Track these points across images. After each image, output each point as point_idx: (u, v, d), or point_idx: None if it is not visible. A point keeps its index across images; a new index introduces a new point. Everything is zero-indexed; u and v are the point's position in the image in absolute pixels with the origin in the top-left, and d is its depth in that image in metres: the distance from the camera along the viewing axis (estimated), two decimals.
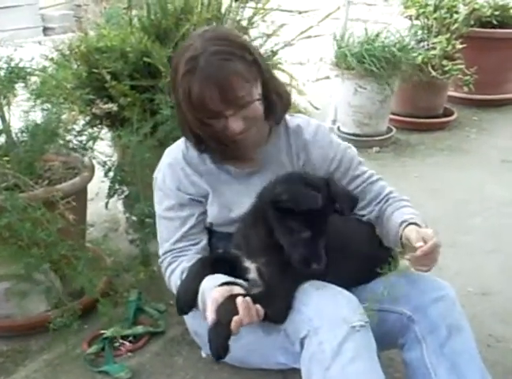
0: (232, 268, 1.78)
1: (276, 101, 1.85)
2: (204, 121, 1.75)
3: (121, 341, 2.23)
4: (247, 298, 1.60)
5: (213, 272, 1.76)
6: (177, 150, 1.94)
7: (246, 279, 1.76)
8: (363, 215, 1.97)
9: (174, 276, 1.88)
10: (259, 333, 1.78)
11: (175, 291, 1.86)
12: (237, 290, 1.66)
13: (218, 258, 1.85)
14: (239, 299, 1.59)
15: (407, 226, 1.80)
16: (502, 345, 2.27)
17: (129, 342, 2.24)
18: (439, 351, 1.71)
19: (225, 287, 1.66)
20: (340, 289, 1.70)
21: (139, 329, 2.27)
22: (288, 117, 1.98)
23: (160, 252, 1.95)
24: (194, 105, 1.72)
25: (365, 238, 1.95)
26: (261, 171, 1.91)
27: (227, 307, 1.59)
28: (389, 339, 1.81)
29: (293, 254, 1.64)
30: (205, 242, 1.92)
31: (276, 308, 1.69)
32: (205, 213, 1.91)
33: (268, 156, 1.92)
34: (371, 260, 1.84)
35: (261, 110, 1.78)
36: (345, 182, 1.95)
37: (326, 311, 1.63)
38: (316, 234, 1.64)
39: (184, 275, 1.82)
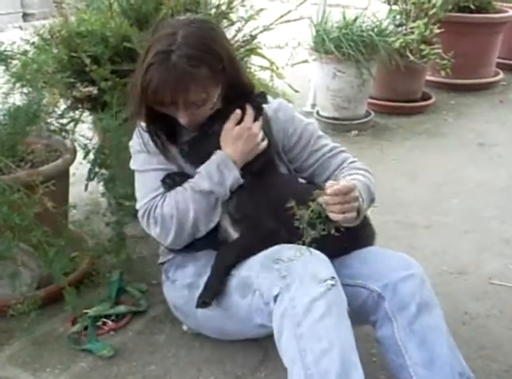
0: None
1: (238, 97, 1.91)
2: (154, 106, 1.86)
3: (103, 320, 2.26)
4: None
5: None
6: None
7: None
8: None
9: (168, 200, 1.91)
10: (235, 297, 1.83)
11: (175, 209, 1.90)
12: None
13: None
14: None
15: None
16: (476, 322, 2.33)
17: (112, 321, 2.26)
18: (408, 328, 1.75)
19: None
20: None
21: (121, 309, 2.29)
22: None
23: (140, 203, 1.97)
24: (148, 94, 1.80)
25: None
26: None
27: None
28: (362, 314, 1.85)
29: None
30: None
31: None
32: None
33: None
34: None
35: (214, 107, 1.87)
36: (305, 157, 2.03)
37: (298, 268, 1.67)
38: None
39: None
